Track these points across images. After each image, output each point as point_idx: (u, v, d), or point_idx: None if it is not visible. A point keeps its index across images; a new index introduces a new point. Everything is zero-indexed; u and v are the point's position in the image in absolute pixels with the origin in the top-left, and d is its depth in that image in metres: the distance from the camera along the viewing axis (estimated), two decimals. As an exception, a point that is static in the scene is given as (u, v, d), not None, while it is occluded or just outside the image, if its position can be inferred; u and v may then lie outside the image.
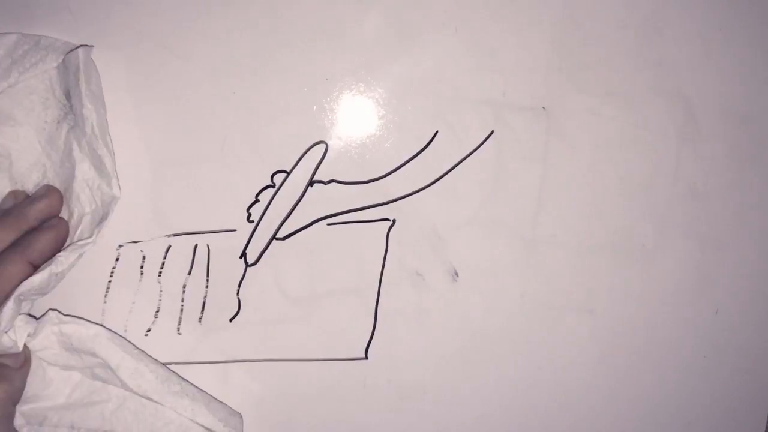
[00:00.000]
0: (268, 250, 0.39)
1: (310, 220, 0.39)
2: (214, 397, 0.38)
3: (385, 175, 0.39)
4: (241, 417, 0.39)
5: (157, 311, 0.39)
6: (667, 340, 0.43)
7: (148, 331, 0.39)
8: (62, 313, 0.35)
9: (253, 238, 0.39)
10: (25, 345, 0.34)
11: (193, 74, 0.38)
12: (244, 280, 0.39)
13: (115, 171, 0.36)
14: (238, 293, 0.39)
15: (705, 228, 0.42)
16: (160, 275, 0.39)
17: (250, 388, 0.40)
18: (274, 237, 0.39)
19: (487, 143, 0.40)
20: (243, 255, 0.39)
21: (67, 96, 0.36)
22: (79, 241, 0.35)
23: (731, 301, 0.43)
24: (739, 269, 0.43)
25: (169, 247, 0.39)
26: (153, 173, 0.38)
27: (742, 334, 0.43)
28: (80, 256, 0.35)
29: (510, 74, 0.39)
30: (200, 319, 0.39)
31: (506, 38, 0.39)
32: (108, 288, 0.38)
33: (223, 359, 0.40)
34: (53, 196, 0.36)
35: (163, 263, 0.39)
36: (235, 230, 0.39)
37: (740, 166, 0.42)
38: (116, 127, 0.38)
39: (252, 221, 0.39)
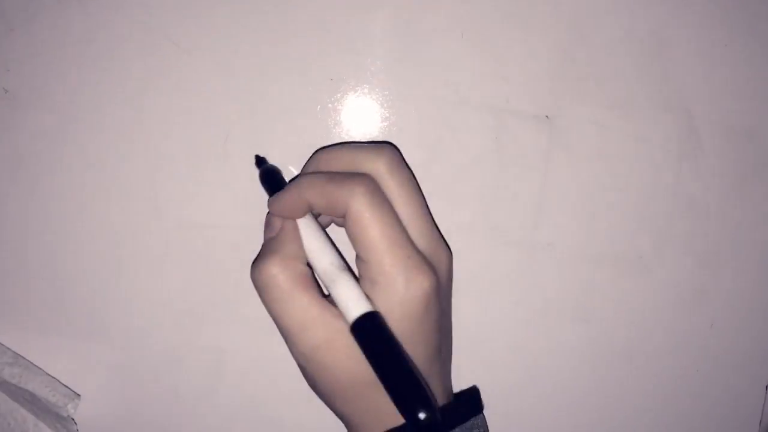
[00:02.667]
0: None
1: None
2: (50, 375, 0.39)
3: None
4: (78, 397, 0.39)
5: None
6: (662, 353, 0.43)
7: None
8: None
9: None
10: None
11: (198, 69, 0.38)
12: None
13: None
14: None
15: (703, 243, 0.42)
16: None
17: (243, 386, 0.40)
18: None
19: (489, 149, 0.40)
20: None
21: None
22: None
23: (726, 315, 0.43)
24: (736, 284, 0.43)
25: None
26: (154, 166, 0.39)
27: (737, 349, 0.43)
28: None
29: (514, 81, 0.39)
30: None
31: (512, 45, 0.39)
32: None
33: (219, 353, 0.40)
34: None
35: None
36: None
37: (740, 182, 0.42)
38: (118, 119, 0.38)
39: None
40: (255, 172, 0.38)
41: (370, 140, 0.39)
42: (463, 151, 0.40)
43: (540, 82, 0.40)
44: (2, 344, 0.39)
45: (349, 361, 0.29)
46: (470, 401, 0.33)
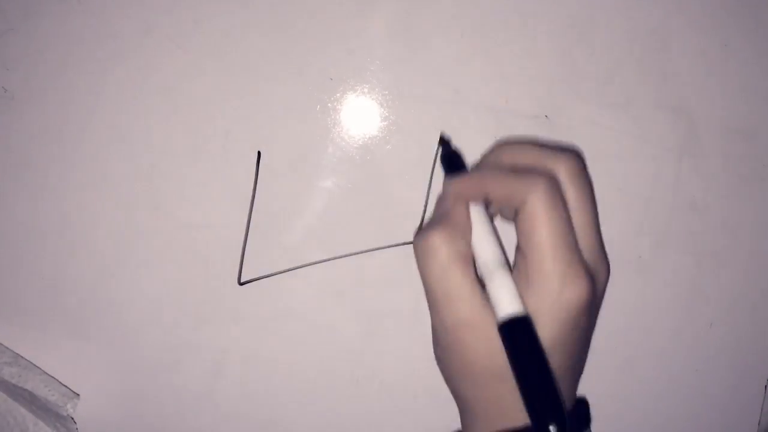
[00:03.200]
0: (266, 253, 0.39)
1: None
2: (49, 375, 0.39)
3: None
4: (77, 396, 0.39)
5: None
6: (660, 352, 0.43)
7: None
8: None
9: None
10: None
11: (198, 69, 0.38)
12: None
13: None
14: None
15: (702, 242, 0.42)
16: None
17: (241, 384, 0.40)
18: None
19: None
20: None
21: None
22: None
23: (726, 315, 0.43)
24: (735, 284, 0.43)
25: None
26: (153, 165, 0.39)
27: (736, 349, 0.43)
28: None
29: (514, 81, 0.39)
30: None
31: (512, 45, 0.39)
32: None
33: (219, 353, 0.40)
34: None
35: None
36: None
37: (740, 182, 0.42)
38: (118, 119, 0.38)
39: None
40: (253, 171, 0.38)
41: (369, 139, 0.39)
42: (463, 151, 0.40)
43: (539, 82, 0.40)
44: (1, 344, 0.39)
45: (488, 348, 0.29)
46: (581, 414, 0.34)
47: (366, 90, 0.39)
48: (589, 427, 0.33)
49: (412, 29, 0.39)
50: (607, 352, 0.42)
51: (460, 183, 0.32)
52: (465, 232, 0.31)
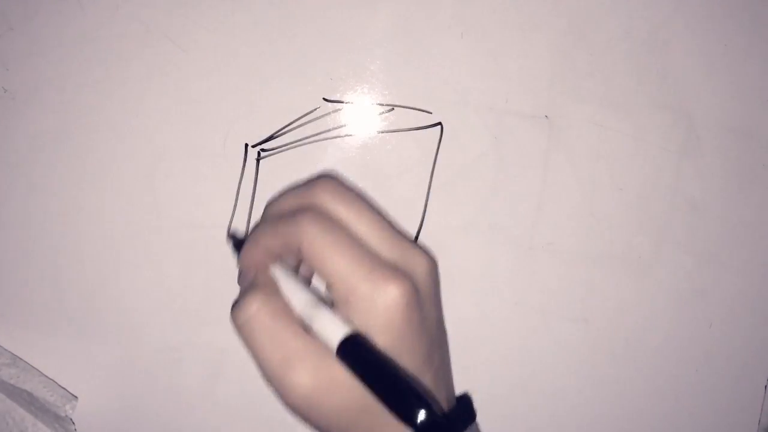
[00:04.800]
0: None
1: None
2: (48, 376, 0.39)
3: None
4: (76, 398, 0.39)
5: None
6: (661, 353, 0.43)
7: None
8: None
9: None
10: None
11: (197, 69, 0.38)
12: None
13: None
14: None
15: (702, 242, 0.42)
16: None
17: (241, 384, 0.40)
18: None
19: (489, 149, 0.40)
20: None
21: None
22: None
23: (726, 315, 0.43)
24: (735, 284, 0.43)
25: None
26: (154, 165, 0.39)
27: (736, 349, 0.43)
28: None
29: (513, 81, 0.39)
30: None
31: (511, 45, 0.39)
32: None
33: (219, 353, 0.40)
34: None
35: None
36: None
37: (739, 182, 0.42)
38: (117, 119, 0.38)
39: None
40: (253, 171, 0.38)
41: (369, 139, 0.39)
42: (463, 151, 0.40)
43: (539, 82, 0.40)
44: (0, 345, 0.39)
45: (341, 389, 0.29)
46: (463, 409, 0.33)
47: (366, 90, 0.39)
48: (474, 422, 0.32)
49: (412, 29, 0.39)
50: (608, 352, 0.42)
51: (245, 253, 0.32)
52: (275, 288, 0.31)
